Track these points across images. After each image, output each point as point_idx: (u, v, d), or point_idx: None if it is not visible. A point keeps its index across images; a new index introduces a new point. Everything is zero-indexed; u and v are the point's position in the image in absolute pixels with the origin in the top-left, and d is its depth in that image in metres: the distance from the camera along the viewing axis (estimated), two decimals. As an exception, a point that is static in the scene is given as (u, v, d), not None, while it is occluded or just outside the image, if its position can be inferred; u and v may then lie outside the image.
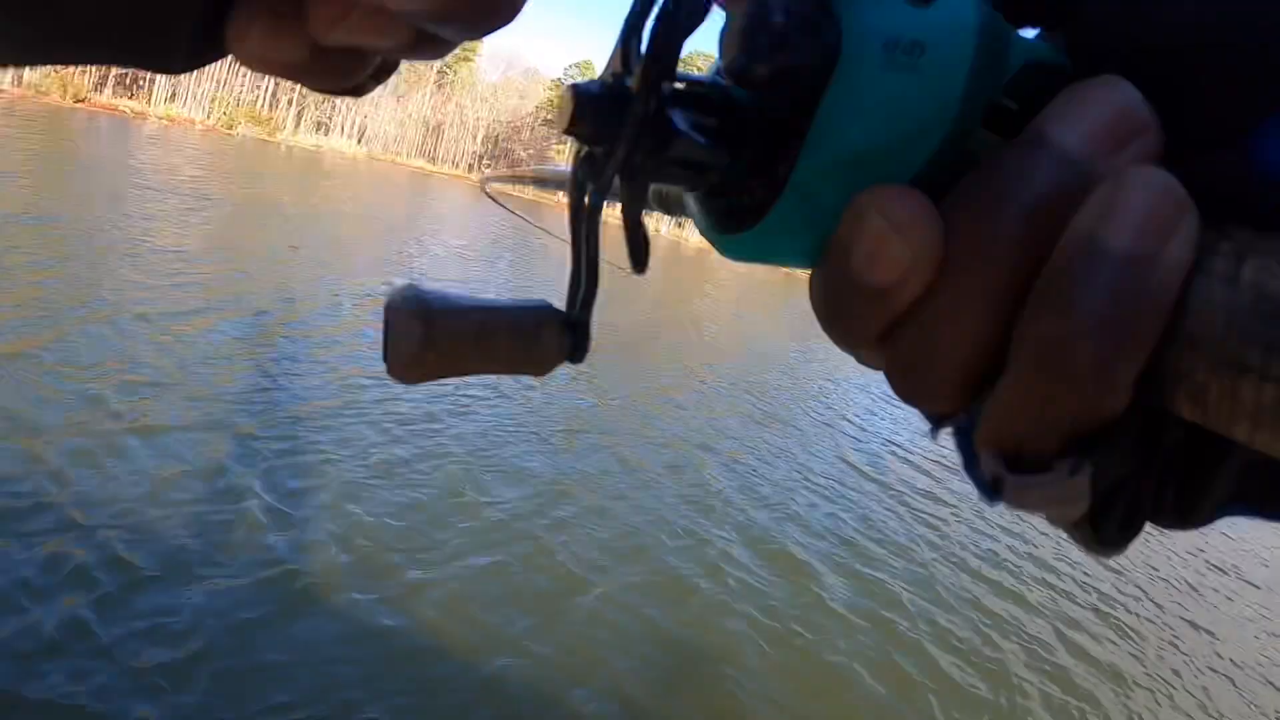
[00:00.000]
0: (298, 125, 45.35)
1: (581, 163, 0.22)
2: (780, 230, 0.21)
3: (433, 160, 53.51)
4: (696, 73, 0.22)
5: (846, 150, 0.20)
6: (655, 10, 0.20)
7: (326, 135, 46.87)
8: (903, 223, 0.19)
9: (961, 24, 0.20)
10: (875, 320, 0.20)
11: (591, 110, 0.20)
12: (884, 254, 0.19)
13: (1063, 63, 0.21)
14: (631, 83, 0.20)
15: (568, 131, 0.21)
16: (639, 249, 0.21)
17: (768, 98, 0.21)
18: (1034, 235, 0.18)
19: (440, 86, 54.84)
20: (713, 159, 0.21)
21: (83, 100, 33.03)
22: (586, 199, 0.22)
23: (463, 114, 55.70)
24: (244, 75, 42.82)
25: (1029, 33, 0.22)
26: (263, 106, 43.48)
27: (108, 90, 36.54)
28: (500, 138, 57.30)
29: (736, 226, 0.22)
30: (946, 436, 0.24)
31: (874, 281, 0.19)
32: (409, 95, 51.97)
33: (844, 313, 0.20)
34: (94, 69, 36.25)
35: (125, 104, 36.39)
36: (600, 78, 0.21)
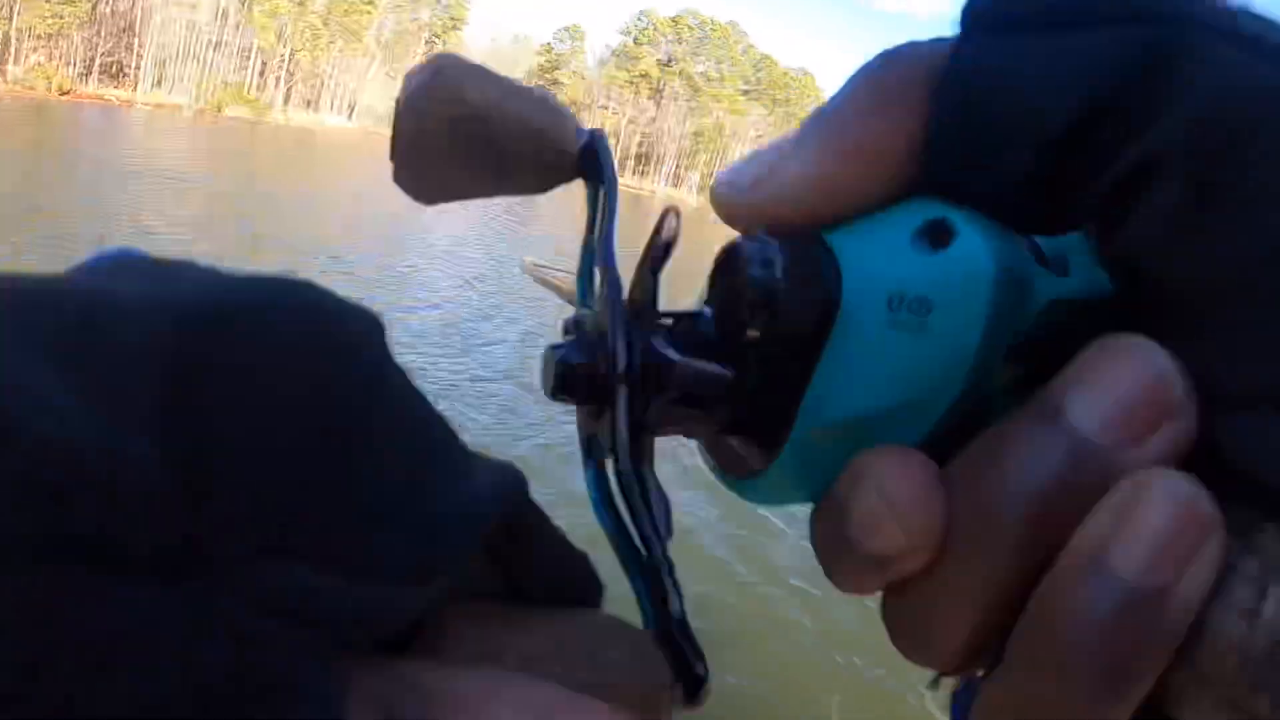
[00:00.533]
0: (286, 103, 45.42)
1: (585, 422, 0.21)
2: (781, 483, 0.20)
3: (424, 132, 53.52)
4: (682, 309, 0.20)
5: (847, 413, 0.18)
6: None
7: (316, 112, 46.94)
8: (900, 503, 0.17)
9: (975, 277, 0.17)
10: (869, 582, 0.19)
11: (579, 380, 0.19)
12: (879, 531, 0.17)
13: (1092, 295, 0.19)
14: (607, 328, 0.19)
15: (557, 399, 0.19)
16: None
17: (762, 351, 0.19)
18: (1041, 531, 0.16)
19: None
20: (716, 391, 0.19)
21: (67, 92, 33.23)
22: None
23: (452, 83, 55.56)
24: (229, 56, 42.82)
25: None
26: (250, 87, 43.54)
27: (93, 80, 36.70)
28: (491, 105, 57.17)
29: (739, 475, 0.21)
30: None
31: (868, 551, 0.18)
32: (398, 68, 51.85)
33: (838, 569, 0.19)
34: (75, 60, 36.33)
35: (111, 93, 36.58)
36: (575, 326, 0.21)
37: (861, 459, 0.18)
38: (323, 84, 47.42)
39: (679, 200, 57.82)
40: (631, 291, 0.19)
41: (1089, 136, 0.17)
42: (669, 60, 61.21)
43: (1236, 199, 0.16)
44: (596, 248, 0.20)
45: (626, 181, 58.78)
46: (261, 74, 44.55)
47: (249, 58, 43.81)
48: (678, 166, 62.07)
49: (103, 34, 38.28)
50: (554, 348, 0.19)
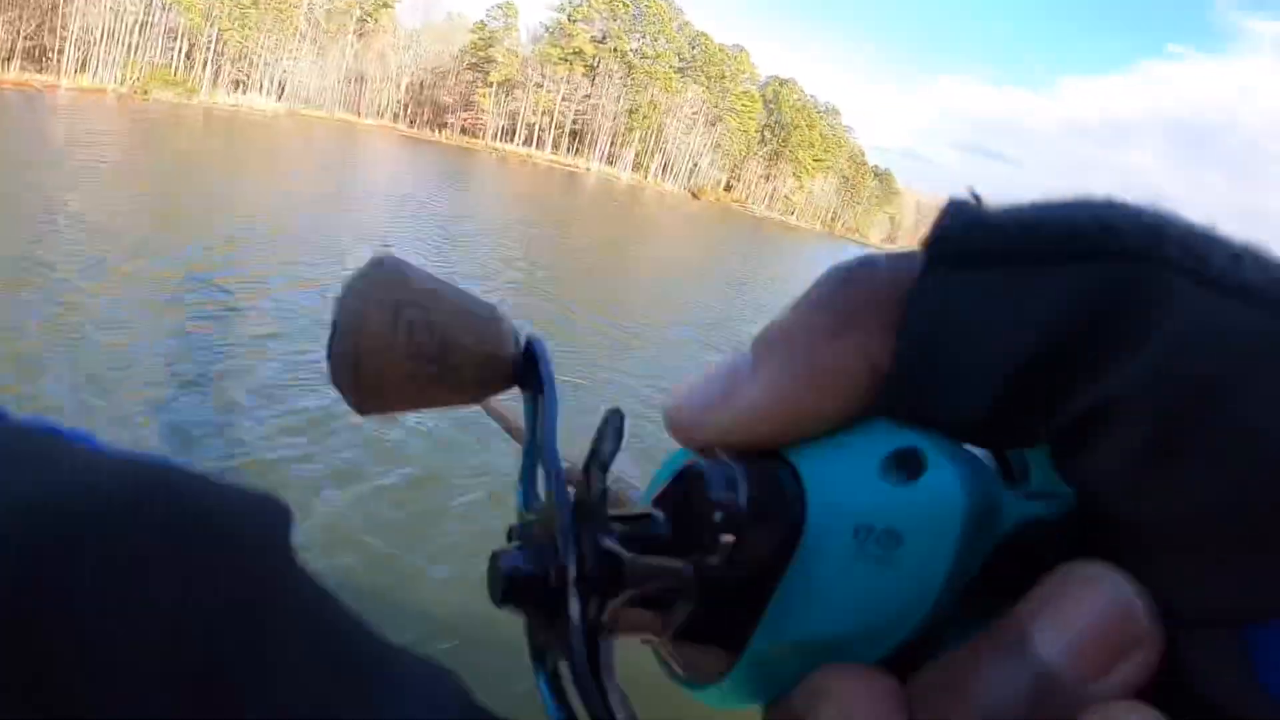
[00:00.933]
0: (214, 85, 45.48)
1: (536, 630, 0.19)
2: (738, 692, 0.19)
3: (357, 112, 53.85)
4: (632, 511, 0.19)
5: (806, 635, 0.18)
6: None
7: (245, 94, 47.04)
8: None
9: (946, 511, 0.17)
10: None
11: (527, 589, 0.18)
12: None
13: (1056, 512, 0.18)
14: (558, 531, 0.18)
15: (503, 606, 0.18)
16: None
17: (721, 572, 0.18)
18: None
19: (360, 36, 54.79)
20: (672, 586, 0.18)
21: (-11, 78, 33.18)
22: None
23: (385, 63, 55.80)
24: (155, 38, 42.74)
25: None
26: (176, 69, 43.53)
27: (14, 65, 36.58)
28: (425, 85, 57.54)
29: (697, 681, 0.20)
30: None
31: None
32: (329, 47, 51.95)
33: None
34: None
35: (35, 78, 36.52)
36: (521, 531, 0.20)
37: (822, 676, 0.18)
38: (252, 64, 47.47)
39: (613, 177, 58.68)
40: (579, 492, 0.18)
41: (1048, 374, 0.17)
42: (603, 37, 61.89)
43: (1199, 450, 0.16)
44: (540, 455, 0.20)
45: (561, 159, 59.57)
46: (189, 55, 44.51)
47: (176, 39, 43.75)
48: (612, 144, 62.97)
49: (24, 17, 38.07)
50: (498, 554, 0.18)
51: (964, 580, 0.17)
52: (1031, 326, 0.17)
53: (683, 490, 0.19)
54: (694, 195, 63.66)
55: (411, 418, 5.44)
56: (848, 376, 0.18)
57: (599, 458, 0.18)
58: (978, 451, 0.19)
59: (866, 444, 0.18)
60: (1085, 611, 0.16)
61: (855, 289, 0.19)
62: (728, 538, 0.18)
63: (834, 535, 0.18)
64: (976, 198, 0.19)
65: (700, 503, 0.18)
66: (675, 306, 12.17)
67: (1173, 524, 0.16)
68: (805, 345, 0.18)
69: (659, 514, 0.19)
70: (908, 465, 0.17)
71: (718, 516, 0.18)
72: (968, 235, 0.18)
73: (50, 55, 39.04)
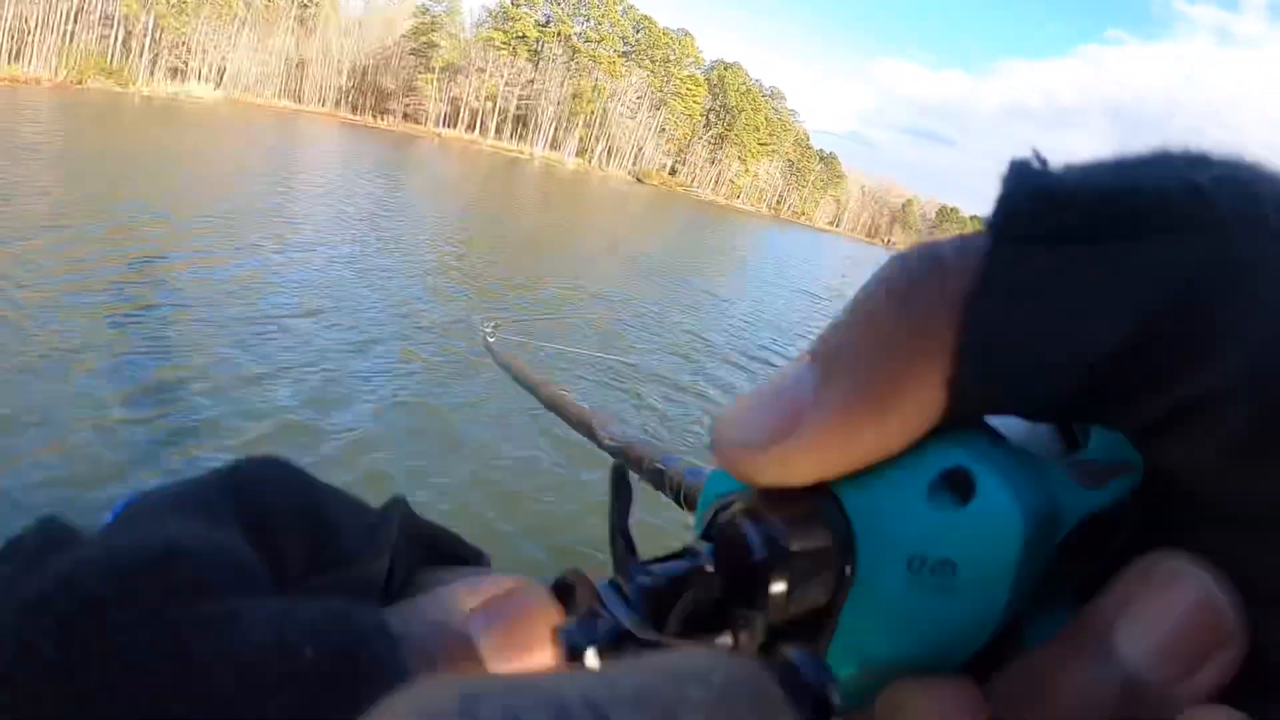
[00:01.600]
0: (152, 73, 45.38)
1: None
2: None
3: (298, 99, 53.95)
4: (675, 563, 0.18)
5: (871, 659, 0.18)
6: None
7: (183, 82, 46.97)
8: None
9: (1002, 535, 0.16)
10: None
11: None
12: None
13: (1130, 490, 0.18)
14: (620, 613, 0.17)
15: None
16: None
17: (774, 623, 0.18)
18: None
19: (302, 22, 54.77)
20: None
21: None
22: None
23: (327, 48, 55.86)
24: (91, 26, 42.53)
25: None
26: (112, 57, 43.40)
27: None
28: (368, 70, 57.72)
29: None
30: None
31: None
32: (269, 33, 51.91)
33: None
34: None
35: (-34, 67, 36.28)
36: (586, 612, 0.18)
37: (899, 691, 0.17)
38: (189, 51, 47.36)
39: (557, 163, 59.33)
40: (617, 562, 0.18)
41: (1136, 363, 0.16)
42: (547, 21, 62.35)
43: None
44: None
45: (504, 145, 60.08)
46: (125, 43, 44.34)
47: (111, 26, 43.55)
48: (556, 129, 63.64)
49: (-46, 5, 37.69)
50: (560, 629, 0.18)
51: (1031, 588, 0.17)
52: (1119, 313, 0.15)
53: (725, 542, 0.18)
54: (639, 180, 64.65)
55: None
56: (926, 395, 0.16)
57: (619, 524, 0.18)
58: (1034, 429, 0.18)
59: (913, 468, 0.17)
60: (1171, 611, 0.15)
61: (928, 288, 0.17)
62: (778, 589, 0.17)
63: (887, 569, 0.17)
64: (1042, 160, 0.17)
65: (744, 563, 0.17)
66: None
67: (1265, 506, 0.15)
68: (882, 360, 0.17)
69: (706, 562, 0.18)
70: (957, 488, 0.17)
71: (766, 577, 0.17)
72: (1036, 209, 0.16)
73: (-18, 44, 38.75)
